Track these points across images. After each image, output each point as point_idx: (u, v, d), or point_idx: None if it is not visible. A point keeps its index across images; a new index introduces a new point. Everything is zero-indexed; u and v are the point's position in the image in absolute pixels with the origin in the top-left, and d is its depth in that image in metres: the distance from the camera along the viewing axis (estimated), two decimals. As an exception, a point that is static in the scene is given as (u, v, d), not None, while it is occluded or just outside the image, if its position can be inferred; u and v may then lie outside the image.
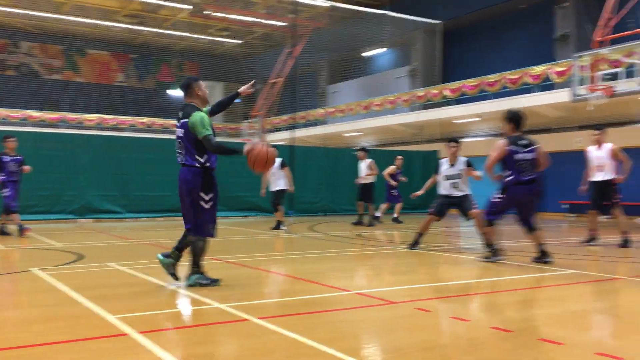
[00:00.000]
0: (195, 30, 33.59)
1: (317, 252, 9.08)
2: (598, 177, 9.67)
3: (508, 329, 4.11)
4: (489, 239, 7.68)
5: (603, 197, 9.70)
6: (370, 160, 14.58)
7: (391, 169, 15.69)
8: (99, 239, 11.03)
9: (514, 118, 7.44)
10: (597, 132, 9.97)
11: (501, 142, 7.38)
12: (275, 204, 13.26)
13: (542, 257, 7.42)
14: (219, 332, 4.15)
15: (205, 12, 28.91)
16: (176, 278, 5.77)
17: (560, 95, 18.31)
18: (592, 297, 5.56)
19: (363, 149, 15.13)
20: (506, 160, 7.36)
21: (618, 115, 18.79)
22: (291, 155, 19.47)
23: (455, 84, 23.34)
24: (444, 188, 8.90)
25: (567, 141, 20.19)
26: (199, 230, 5.58)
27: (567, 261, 7.84)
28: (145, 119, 34.52)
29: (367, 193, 14.53)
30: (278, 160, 12.42)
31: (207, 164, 5.57)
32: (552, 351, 3.61)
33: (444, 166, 8.94)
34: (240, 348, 3.76)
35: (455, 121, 23.44)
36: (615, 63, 14.46)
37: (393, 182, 15.68)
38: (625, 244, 9.48)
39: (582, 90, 14.81)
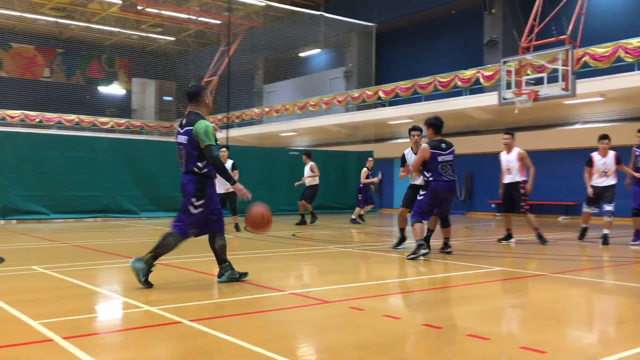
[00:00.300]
0: (127, 25, 32.67)
1: (252, 253, 9.03)
2: (507, 179, 10.34)
3: (438, 326, 4.22)
4: (417, 236, 7.92)
5: (512, 197, 10.32)
6: (312, 163, 15.01)
7: (364, 171, 15.95)
8: (22, 240, 10.54)
9: (434, 124, 8.23)
10: (507, 137, 10.57)
11: (425, 146, 8.07)
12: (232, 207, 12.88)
13: (445, 248, 8.51)
14: (149, 335, 4.05)
15: (137, 8, 28.16)
16: (240, 274, 6.01)
17: (489, 99, 18.98)
18: (515, 293, 5.79)
19: (307, 153, 15.51)
20: (430, 162, 7.98)
21: (542, 118, 19.67)
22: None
23: (389, 86, 23.77)
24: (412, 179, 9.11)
25: (496, 143, 20.95)
26: (178, 227, 5.73)
27: (492, 259, 8.13)
28: (72, 116, 33.21)
29: (310, 194, 15.10)
30: (230, 162, 12.49)
31: (205, 170, 5.71)
32: (480, 346, 3.73)
33: (410, 156, 9.09)
34: (171, 352, 3.68)
35: (389, 122, 23.87)
36: (539, 68, 15.09)
37: (371, 186, 16.37)
38: (540, 239, 10.14)
39: (508, 94, 15.38)
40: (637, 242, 9.58)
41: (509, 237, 10.39)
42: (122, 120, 34.94)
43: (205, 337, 3.89)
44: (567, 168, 17.78)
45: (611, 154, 9.86)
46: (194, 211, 5.70)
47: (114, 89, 37.92)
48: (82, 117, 33.38)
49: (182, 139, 5.70)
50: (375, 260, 8.25)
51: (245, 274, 6.10)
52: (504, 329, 4.27)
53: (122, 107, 37.58)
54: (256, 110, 31.60)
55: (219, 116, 32.26)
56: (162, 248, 5.70)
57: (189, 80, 36.16)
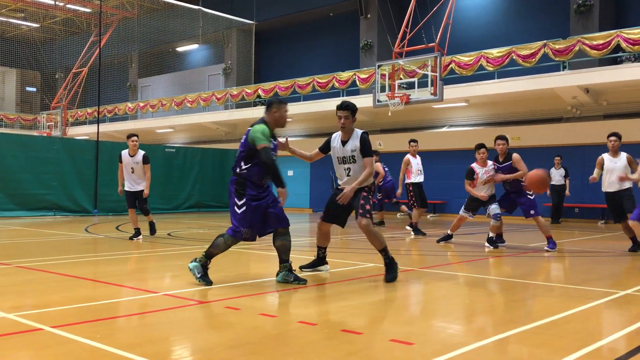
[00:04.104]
0: (-16, 8, 29.95)
1: (124, 253, 8.63)
2: (419, 179, 12.01)
3: (313, 322, 4.28)
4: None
5: (422, 196, 12.11)
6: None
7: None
8: None
9: None
10: (414, 144, 12.23)
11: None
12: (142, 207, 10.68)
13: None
14: (6, 345, 3.72)
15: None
16: (297, 279, 5.96)
17: (365, 101, 19.61)
18: (386, 288, 6.02)
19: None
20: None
21: (413, 121, 20.69)
22: (96, 150, 18.31)
23: (269, 85, 23.81)
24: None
25: (372, 143, 21.70)
26: (232, 231, 5.79)
27: (367, 256, 8.40)
28: None
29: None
30: (141, 153, 10.37)
31: (244, 172, 5.76)
32: (353, 341, 3.83)
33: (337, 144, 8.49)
34: (30, 361, 3.41)
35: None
36: (411, 73, 15.83)
37: None
38: (415, 230, 11.90)
39: (383, 97, 15.97)
40: (489, 246, 9.92)
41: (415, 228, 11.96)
42: (-23, 112, 32.08)
43: (69, 344, 3.65)
44: (435, 169, 18.83)
45: (490, 163, 10.10)
46: (238, 211, 5.75)
47: (-32, 77, 34.64)
48: None
49: (242, 138, 5.91)
50: (254, 259, 8.21)
51: (304, 281, 5.94)
52: (375, 322, 4.42)
53: (-23, 97, 34.44)
54: (130, 104, 30.29)
55: (89, 110, 30.56)
56: (214, 248, 5.83)
57: (55, 70, 33.91)
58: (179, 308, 4.82)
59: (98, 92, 21.69)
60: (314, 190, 23.66)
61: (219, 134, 26.98)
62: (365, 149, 6.28)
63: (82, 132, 30.02)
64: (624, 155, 9.22)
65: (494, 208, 9.56)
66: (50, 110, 31.82)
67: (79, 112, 31.64)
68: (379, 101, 16.13)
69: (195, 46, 30.63)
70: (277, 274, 6.09)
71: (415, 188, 12.01)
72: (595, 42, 15.86)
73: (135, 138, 10.37)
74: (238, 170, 5.82)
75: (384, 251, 6.25)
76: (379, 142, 21.57)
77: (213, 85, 29.12)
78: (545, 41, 16.69)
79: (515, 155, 9.35)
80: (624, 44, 15.44)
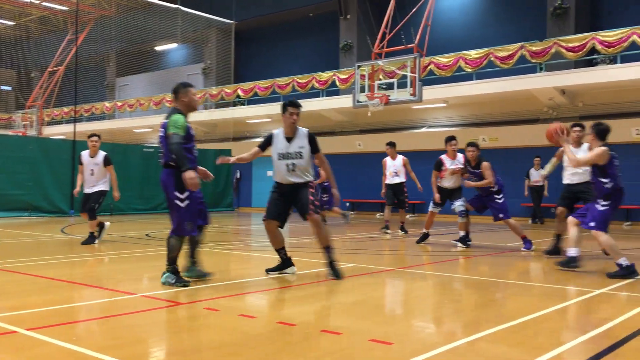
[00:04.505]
0: (-43, 5, 29.35)
1: (101, 255, 8.53)
2: (394, 180, 12.29)
3: (292, 323, 4.27)
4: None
5: (396, 196, 12.34)
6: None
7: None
8: None
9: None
10: (391, 147, 12.52)
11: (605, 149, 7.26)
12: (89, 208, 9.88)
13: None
14: (-22, 348, 3.66)
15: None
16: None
17: (344, 101, 19.66)
18: (367, 288, 6.04)
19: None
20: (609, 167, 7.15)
21: (393, 121, 20.78)
22: (73, 150, 18.09)
23: (248, 84, 23.72)
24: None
25: (351, 144, 21.78)
26: (177, 229, 5.69)
27: (347, 256, 8.41)
28: None
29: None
30: (102, 154, 9.82)
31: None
32: (332, 341, 3.83)
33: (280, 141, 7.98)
34: (4, 365, 3.35)
35: (248, 121, 23.83)
36: (390, 74, 15.88)
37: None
38: (402, 230, 12.36)
39: (362, 97, 16.00)
40: (458, 243, 9.94)
41: (387, 227, 12.52)
42: (-50, 111, 31.45)
43: (44, 346, 3.59)
44: (415, 169, 18.88)
45: (460, 155, 10.24)
46: (181, 205, 5.63)
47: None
48: None
49: (161, 131, 5.78)
50: (233, 260, 8.17)
51: (209, 274, 6.11)
52: (354, 322, 4.43)
53: (-50, 96, 33.75)
54: (107, 104, 29.95)
55: (66, 109, 30.16)
56: (171, 251, 5.75)
57: (31, 68, 33.39)
58: (156, 309, 4.77)
59: (75, 91, 21.40)
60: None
61: (197, 133, 26.67)
62: (317, 146, 6.47)
63: (58, 131, 29.60)
64: (585, 146, 8.63)
65: (459, 205, 9.80)
66: (26, 110, 31.31)
67: (55, 112, 31.20)
68: (358, 101, 16.16)
69: (173, 45, 30.39)
70: (187, 270, 6.08)
71: (388, 189, 12.39)
72: (571, 45, 16.09)
73: (95, 138, 9.84)
74: (172, 162, 5.66)
75: (327, 248, 6.47)
76: (358, 143, 21.62)
77: (192, 84, 28.93)
78: (522, 43, 16.88)
79: (484, 164, 9.48)
80: (599, 46, 15.69)
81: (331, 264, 6.39)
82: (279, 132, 6.51)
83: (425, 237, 10.35)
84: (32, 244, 10.16)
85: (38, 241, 10.54)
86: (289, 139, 6.41)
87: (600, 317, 4.59)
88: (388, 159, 12.49)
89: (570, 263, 6.97)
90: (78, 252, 9.06)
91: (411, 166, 12.57)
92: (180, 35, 26.71)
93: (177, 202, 5.62)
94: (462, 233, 9.76)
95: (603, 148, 6.73)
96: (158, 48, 30.88)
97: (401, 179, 12.32)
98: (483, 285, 6.27)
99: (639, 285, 6.12)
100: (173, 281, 5.70)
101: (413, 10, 16.49)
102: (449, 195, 9.99)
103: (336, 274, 6.31)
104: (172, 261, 5.76)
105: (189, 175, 5.48)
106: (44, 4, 27.81)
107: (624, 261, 6.52)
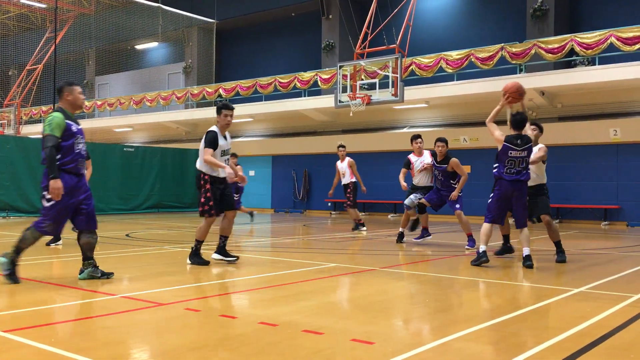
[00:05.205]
0: None
1: (79, 255, 8.42)
2: (344, 181, 12.93)
3: (274, 323, 4.26)
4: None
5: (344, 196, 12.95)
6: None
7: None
8: None
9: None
10: (342, 149, 13.13)
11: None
12: None
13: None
14: (-47, 351, 3.59)
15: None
16: (104, 273, 6.10)
17: (326, 101, 19.66)
18: (347, 288, 6.05)
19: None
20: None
21: (374, 122, 20.84)
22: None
23: (230, 84, 23.62)
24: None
25: (333, 144, 21.77)
26: (37, 224, 5.78)
27: (329, 255, 8.42)
28: None
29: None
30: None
31: (57, 163, 5.64)
32: (314, 341, 3.83)
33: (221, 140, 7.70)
34: (-20, 368, 3.30)
35: (235, 120, 23.70)
36: (372, 74, 15.91)
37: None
38: (356, 227, 12.99)
39: (344, 97, 16.02)
40: (419, 239, 10.38)
41: (359, 225, 13.03)
42: None
43: (22, 348, 3.54)
44: (397, 169, 18.98)
45: (426, 152, 10.52)
46: (46, 204, 5.70)
47: None
48: None
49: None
50: (214, 261, 8.12)
51: (110, 274, 6.12)
52: (336, 322, 4.44)
53: None
54: (87, 103, 29.59)
55: (44, 108, 29.78)
56: (22, 242, 5.77)
57: (9, 66, 32.93)
58: (137, 310, 4.73)
59: (53, 89, 21.13)
60: (275, 191, 23.59)
61: (179, 133, 26.64)
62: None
63: (37, 130, 29.18)
64: (537, 147, 8.57)
65: (411, 198, 10.10)
66: (3, 108, 30.84)
67: (33, 110, 30.78)
68: (340, 101, 16.17)
69: (154, 44, 30.15)
70: (81, 272, 6.07)
71: (354, 187, 12.89)
72: (550, 46, 16.28)
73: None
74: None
75: (221, 238, 7.37)
76: (340, 143, 21.63)
77: (173, 84, 28.72)
78: (502, 44, 17.04)
79: (453, 160, 9.67)
80: (577, 48, 15.89)
81: (219, 249, 7.42)
82: (217, 132, 7.23)
83: (401, 236, 10.49)
84: (9, 244, 9.99)
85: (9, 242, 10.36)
86: (225, 137, 7.31)
87: (577, 316, 4.65)
88: (338, 162, 13.17)
89: (482, 258, 7.35)
90: (56, 252, 8.95)
91: (393, 166, 12.77)
92: (161, 33, 26.52)
93: (44, 200, 5.73)
94: (401, 229, 10.39)
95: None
96: (139, 47, 30.62)
97: (346, 180, 12.92)
98: (463, 285, 6.32)
99: (616, 284, 6.22)
100: (6, 272, 5.71)
101: (395, 11, 16.56)
102: (424, 194, 10.12)
103: (227, 255, 7.36)
104: (17, 250, 5.80)
105: (55, 185, 5.57)
106: (22, 1, 27.40)
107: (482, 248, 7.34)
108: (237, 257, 7.56)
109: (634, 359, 3.56)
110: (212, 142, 7.06)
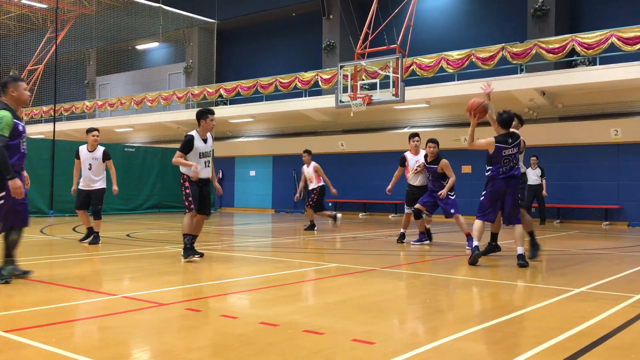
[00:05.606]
0: None
1: (81, 255, 8.44)
2: (311, 186, 13.42)
3: (274, 323, 4.26)
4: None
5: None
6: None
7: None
8: None
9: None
10: (306, 154, 13.43)
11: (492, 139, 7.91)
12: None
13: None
14: (-46, 351, 3.60)
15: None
16: (24, 272, 5.98)
17: (327, 101, 19.67)
18: (350, 288, 6.05)
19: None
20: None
21: (375, 122, 20.84)
22: (52, 150, 17.89)
23: (231, 84, 23.63)
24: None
25: (333, 143, 21.79)
26: None
27: (330, 256, 8.42)
28: None
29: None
30: (101, 149, 9.82)
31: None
32: (314, 341, 3.83)
33: (199, 143, 7.85)
34: (-19, 368, 3.30)
35: (230, 120, 23.74)
36: (373, 74, 15.92)
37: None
38: (311, 227, 13.30)
39: (345, 98, 16.02)
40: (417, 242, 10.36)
41: (312, 226, 13.36)
42: None
43: (23, 348, 3.55)
44: (396, 169, 19.01)
45: (422, 152, 10.49)
46: None
47: None
48: None
49: None
50: (215, 260, 8.13)
51: (28, 272, 6.03)
52: (337, 322, 4.44)
53: None
54: (88, 103, 29.63)
55: (45, 108, 29.80)
56: None
57: (10, 67, 32.94)
58: (138, 310, 4.73)
59: (54, 89, 21.15)
60: (276, 191, 23.59)
61: (180, 133, 26.63)
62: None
63: (38, 130, 29.23)
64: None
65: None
66: (4, 108, 30.86)
67: (34, 110, 30.80)
68: (341, 102, 16.17)
69: (155, 44, 30.16)
70: (2, 269, 5.99)
71: (320, 191, 13.30)
72: (551, 46, 16.27)
73: (96, 132, 9.78)
74: None
75: (185, 236, 7.55)
76: (341, 143, 21.65)
77: (174, 84, 28.73)
78: (503, 44, 17.03)
79: (443, 161, 9.75)
80: (578, 48, 15.89)
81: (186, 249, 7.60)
82: (195, 136, 7.61)
83: (402, 236, 10.47)
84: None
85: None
86: (205, 140, 7.68)
87: (578, 316, 4.65)
88: (305, 167, 13.54)
89: (475, 253, 7.44)
90: (58, 252, 8.96)
91: (394, 166, 12.66)
92: (162, 34, 26.53)
93: None
94: (402, 230, 10.40)
95: (490, 138, 7.56)
96: (139, 47, 30.63)
97: (313, 185, 13.28)
98: (463, 285, 6.32)
99: (617, 284, 6.22)
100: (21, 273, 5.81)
101: (396, 11, 16.56)
102: (421, 194, 10.13)
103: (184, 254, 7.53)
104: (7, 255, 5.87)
105: (14, 184, 5.59)
106: (23, 1, 27.43)
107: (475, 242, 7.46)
108: (202, 254, 7.88)
109: (635, 359, 3.56)
110: (184, 146, 7.51)
